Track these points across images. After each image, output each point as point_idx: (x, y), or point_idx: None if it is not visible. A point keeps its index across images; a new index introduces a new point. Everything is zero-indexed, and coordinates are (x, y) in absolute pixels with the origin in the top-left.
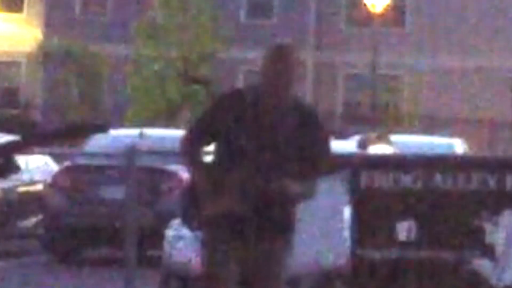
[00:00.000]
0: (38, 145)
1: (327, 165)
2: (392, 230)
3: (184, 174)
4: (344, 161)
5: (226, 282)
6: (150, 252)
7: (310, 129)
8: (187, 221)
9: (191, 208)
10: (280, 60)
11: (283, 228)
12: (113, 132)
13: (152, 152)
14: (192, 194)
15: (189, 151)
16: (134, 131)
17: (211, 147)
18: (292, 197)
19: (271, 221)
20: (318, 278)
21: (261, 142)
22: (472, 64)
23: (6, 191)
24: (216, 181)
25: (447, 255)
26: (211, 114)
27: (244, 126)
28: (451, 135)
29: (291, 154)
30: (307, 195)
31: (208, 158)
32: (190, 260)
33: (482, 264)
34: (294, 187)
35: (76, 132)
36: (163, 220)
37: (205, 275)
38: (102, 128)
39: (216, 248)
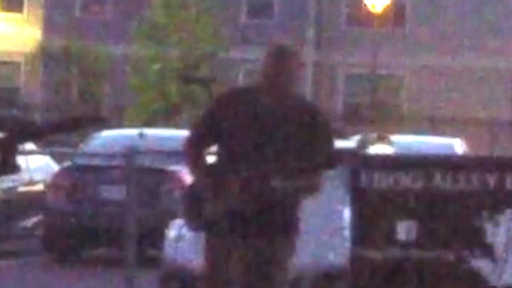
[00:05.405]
0: (35, 139)
1: (329, 162)
2: (392, 230)
3: (184, 174)
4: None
5: (228, 283)
6: (150, 252)
7: (311, 127)
8: (189, 222)
9: (193, 209)
10: (281, 59)
11: (287, 230)
12: (113, 132)
13: (152, 152)
14: (194, 195)
15: (191, 153)
16: (134, 131)
17: (213, 148)
18: (292, 194)
19: (274, 222)
20: (318, 278)
21: (262, 142)
22: (472, 64)
23: (6, 191)
24: (218, 182)
25: (447, 255)
26: (211, 114)
27: (244, 125)
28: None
29: (292, 153)
30: (310, 190)
31: (211, 159)
32: (190, 260)
33: (482, 264)
34: (293, 184)
35: (73, 126)
36: (163, 220)
37: (207, 276)
38: (99, 121)
39: (218, 249)
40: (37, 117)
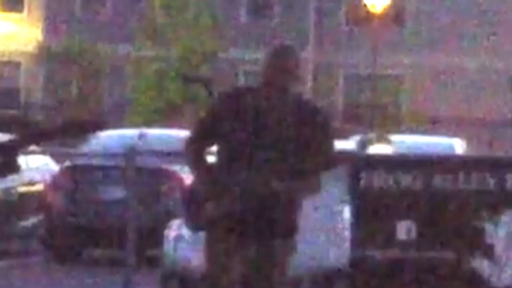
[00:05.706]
0: (37, 143)
1: (329, 162)
2: (392, 230)
3: (184, 174)
4: (344, 161)
5: (228, 283)
6: (150, 252)
7: (312, 127)
8: (189, 222)
9: (194, 209)
10: (282, 59)
11: (286, 230)
12: (113, 132)
13: (151, 152)
14: (194, 195)
15: (192, 152)
16: (134, 131)
17: (214, 148)
18: (293, 194)
19: (274, 222)
20: (318, 278)
21: (262, 142)
22: (472, 64)
23: (6, 191)
24: (219, 182)
25: (447, 255)
26: (212, 114)
27: (245, 125)
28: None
29: (293, 153)
30: (310, 190)
31: (211, 159)
32: (190, 260)
33: (482, 264)
34: (293, 184)
35: (75, 130)
36: (163, 220)
37: (207, 276)
38: (101, 125)
39: (218, 249)
40: (37, 117)
